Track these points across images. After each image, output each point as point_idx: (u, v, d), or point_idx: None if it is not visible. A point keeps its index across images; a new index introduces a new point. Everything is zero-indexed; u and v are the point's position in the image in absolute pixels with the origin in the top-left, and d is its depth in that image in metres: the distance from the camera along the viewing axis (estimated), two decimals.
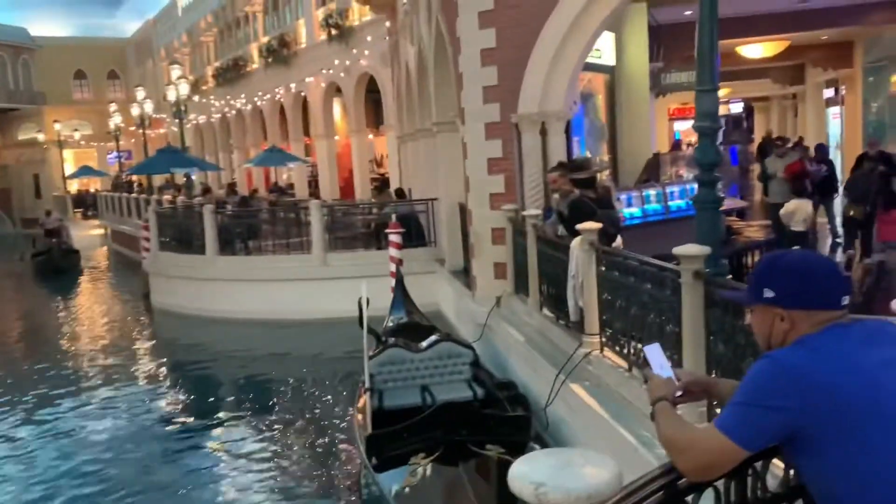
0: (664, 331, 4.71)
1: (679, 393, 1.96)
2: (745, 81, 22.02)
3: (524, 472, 1.52)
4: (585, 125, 10.79)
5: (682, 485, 1.72)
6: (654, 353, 2.04)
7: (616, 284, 5.58)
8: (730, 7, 12.32)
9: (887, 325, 1.76)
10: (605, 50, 10.37)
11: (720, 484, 1.81)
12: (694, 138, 7.60)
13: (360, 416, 6.92)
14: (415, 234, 12.21)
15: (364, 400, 7.02)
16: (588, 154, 10.36)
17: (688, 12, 10.60)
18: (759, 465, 1.94)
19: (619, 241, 6.69)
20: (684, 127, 24.54)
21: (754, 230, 9.45)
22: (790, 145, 12.11)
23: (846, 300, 1.70)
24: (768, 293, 1.73)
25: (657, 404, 1.89)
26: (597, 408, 5.38)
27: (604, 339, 5.91)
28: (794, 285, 1.70)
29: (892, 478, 1.53)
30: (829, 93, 20.09)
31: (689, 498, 1.76)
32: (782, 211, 8.38)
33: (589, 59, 9.70)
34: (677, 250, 4.26)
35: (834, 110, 19.95)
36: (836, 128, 19.68)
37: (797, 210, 8.59)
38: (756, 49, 15.89)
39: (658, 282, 4.79)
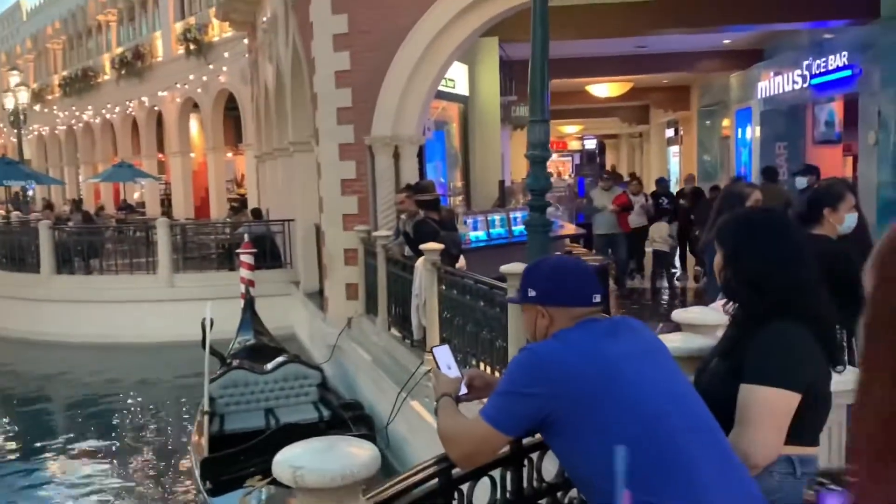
0: (494, 346, 4.90)
1: (464, 391, 2.07)
2: (597, 119, 23.48)
3: (287, 457, 1.56)
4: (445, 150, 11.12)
5: (457, 474, 1.81)
6: (443, 354, 2.14)
7: (455, 303, 5.75)
8: (578, 48, 13.16)
9: (629, 320, 1.96)
10: (459, 80, 10.73)
11: (496, 473, 1.92)
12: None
13: (198, 440, 6.69)
14: (270, 255, 11.99)
15: (202, 423, 6.81)
16: (442, 179, 10.64)
17: None
18: (535, 455, 2.09)
19: (462, 261, 6.89)
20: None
21: (592, 256, 10.04)
22: (627, 179, 12.95)
23: (597, 298, 1.89)
24: (531, 293, 1.89)
25: (440, 400, 1.99)
26: (435, 424, 5.47)
27: None
28: (551, 285, 1.87)
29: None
30: (669, 132, 21.78)
31: (465, 487, 1.85)
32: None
33: (443, 89, 10.01)
34: (504, 268, 4.47)
35: (674, 149, 21.64)
36: (675, 165, 21.35)
37: (656, 231, 10.20)
38: (603, 88, 16.98)
39: (489, 299, 4.99)
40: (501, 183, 10.73)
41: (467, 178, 11.41)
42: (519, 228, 8.18)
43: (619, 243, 10.57)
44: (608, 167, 23.20)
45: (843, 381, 2.59)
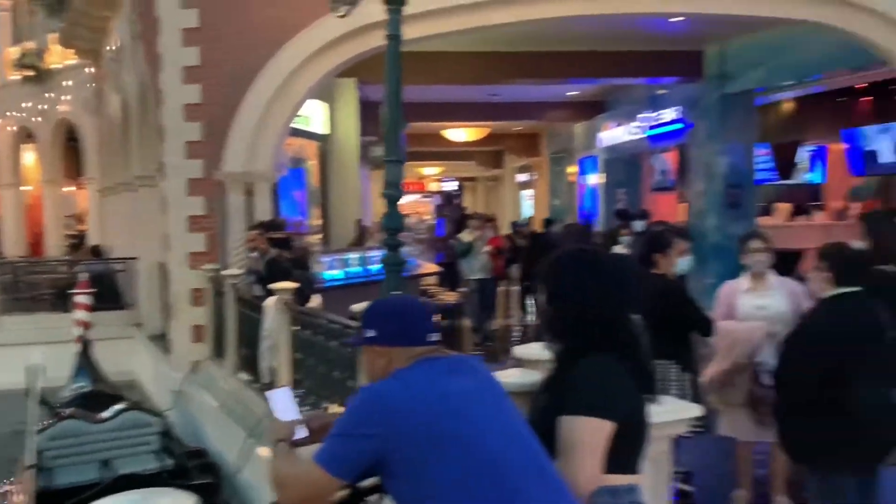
0: (346, 385, 4.83)
1: (303, 434, 2.01)
2: (456, 162, 24.13)
3: None
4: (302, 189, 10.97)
5: None
6: (279, 398, 2.08)
7: (307, 343, 5.63)
8: (436, 94, 13.52)
9: (468, 359, 2.00)
10: (316, 118, 10.70)
11: None
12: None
13: (18, 499, 6.08)
14: (110, 296, 11.24)
15: (26, 479, 6.20)
16: (300, 217, 10.48)
17: None
18: (373, 498, 2.05)
19: (318, 300, 6.79)
20: (408, 199, 26.13)
21: (449, 295, 10.20)
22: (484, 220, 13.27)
23: (433, 337, 1.91)
24: (370, 333, 1.89)
25: (276, 446, 1.93)
26: None
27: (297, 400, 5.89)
28: (388, 325, 1.88)
29: (459, 497, 1.71)
30: (523, 177, 22.75)
31: None
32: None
33: (301, 126, 9.93)
34: (355, 307, 4.43)
35: (528, 192, 22.62)
36: (529, 208, 22.29)
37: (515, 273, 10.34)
38: (460, 133, 17.54)
39: (342, 339, 4.93)
40: (359, 222, 10.72)
41: (326, 217, 11.32)
42: (376, 267, 8.19)
43: (491, 287, 10.36)
44: (465, 209, 23.81)
45: (667, 413, 2.77)
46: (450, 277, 11.81)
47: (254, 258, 6.83)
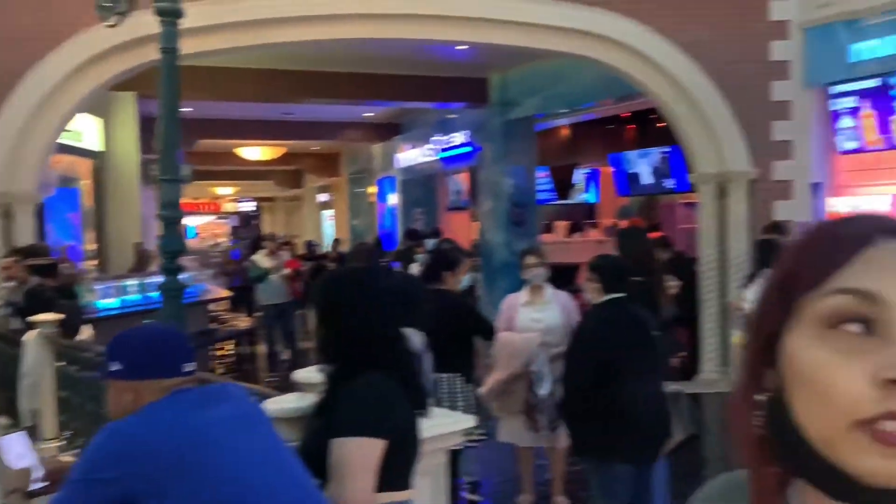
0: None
1: (41, 482, 1.82)
2: (252, 182, 23.41)
3: None
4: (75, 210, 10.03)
5: None
6: (12, 444, 1.87)
7: (74, 380, 5.12)
8: (226, 110, 13.05)
9: (228, 387, 1.92)
10: (90, 134, 9.87)
11: None
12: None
13: None
14: None
15: None
16: (72, 242, 9.57)
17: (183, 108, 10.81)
18: None
19: (89, 332, 6.22)
20: (197, 221, 24.88)
21: (243, 320, 9.84)
22: (281, 242, 12.99)
23: (188, 367, 1.80)
24: (115, 366, 1.75)
25: (8, 497, 1.72)
26: None
27: (63, 443, 5.33)
28: (135, 357, 1.75)
29: None
30: (323, 197, 22.60)
31: None
32: None
33: (71, 142, 9.10)
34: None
35: (328, 212, 22.49)
36: (330, 228, 22.16)
37: None
38: (255, 152, 17.04)
39: None
40: (138, 245, 10.01)
41: (102, 240, 10.43)
42: (157, 294, 7.67)
43: (290, 312, 9.90)
44: (260, 231, 23.20)
45: (441, 426, 2.84)
46: (246, 302, 11.36)
47: (10, 288, 6.12)
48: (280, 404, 2.64)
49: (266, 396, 2.73)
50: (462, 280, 4.32)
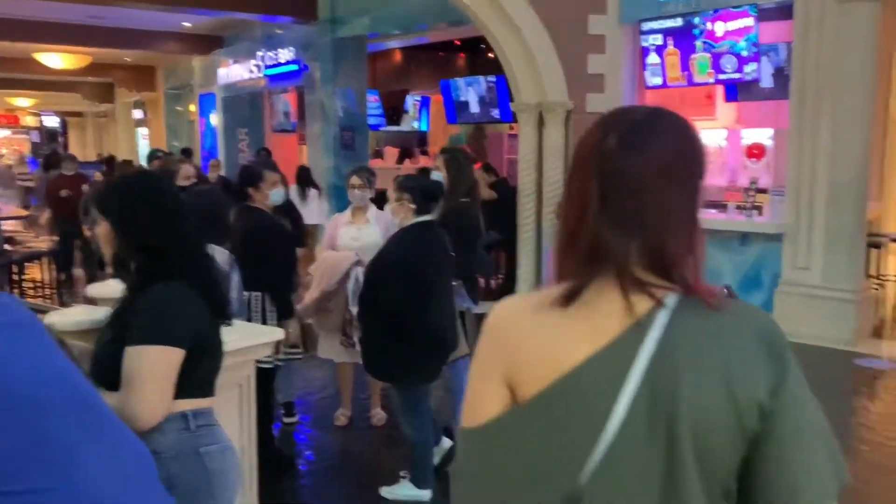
0: None
1: None
2: (56, 93, 21.15)
3: None
4: None
5: None
6: None
7: None
8: (23, 9, 11.58)
9: (2, 296, 1.76)
10: None
11: None
12: None
13: None
14: None
15: None
16: None
17: None
18: None
19: None
20: None
21: (40, 241, 9.05)
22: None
23: None
24: None
25: None
26: None
27: None
28: None
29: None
30: (137, 113, 20.94)
31: None
32: None
33: None
34: None
35: (143, 131, 20.90)
36: (145, 148, 20.65)
37: None
38: (56, 59, 15.34)
39: None
40: None
41: None
42: None
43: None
44: (57, 148, 21.30)
45: (247, 338, 2.79)
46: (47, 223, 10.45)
47: None
48: (66, 316, 2.47)
49: (48, 310, 2.54)
50: (272, 195, 4.16)
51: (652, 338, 1.00)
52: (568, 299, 1.05)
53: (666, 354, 0.99)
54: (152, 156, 9.90)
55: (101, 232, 2.10)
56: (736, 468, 1.02)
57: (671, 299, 1.02)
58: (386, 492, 3.82)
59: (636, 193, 1.02)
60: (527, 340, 1.06)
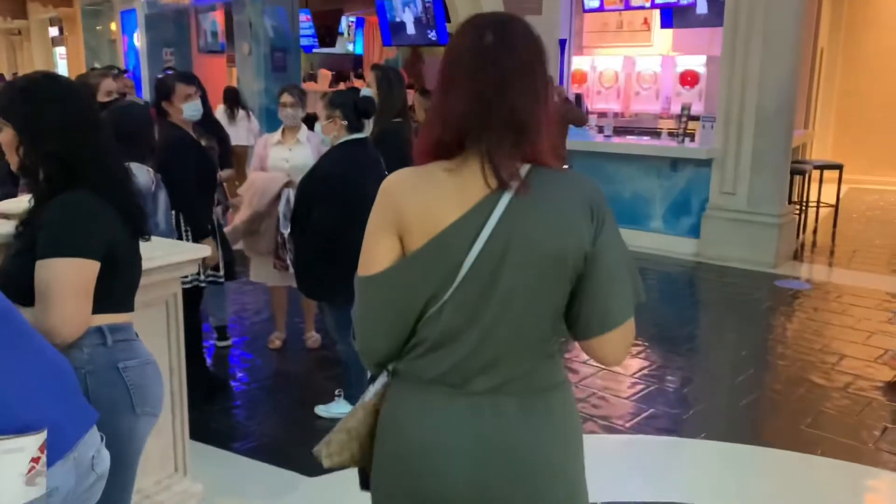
0: None
1: None
2: None
3: None
4: None
5: None
6: None
7: None
8: None
9: None
10: None
11: None
12: None
13: None
14: None
15: None
16: None
17: None
18: None
19: None
20: None
21: None
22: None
23: None
24: None
25: None
26: None
27: None
28: None
29: None
30: (54, 31, 19.68)
31: None
32: None
33: None
34: None
35: (61, 50, 19.69)
36: (63, 68, 19.49)
37: None
38: None
39: None
40: None
41: None
42: None
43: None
44: None
45: (170, 255, 2.70)
46: None
47: None
48: None
49: None
50: (185, 109, 3.93)
51: (503, 202, 1.30)
52: (446, 172, 1.33)
53: (514, 215, 1.29)
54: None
55: (4, 139, 1.95)
56: (564, 298, 1.36)
57: (524, 169, 1.32)
58: (321, 410, 3.84)
59: (505, 83, 1.30)
60: (412, 205, 1.33)
